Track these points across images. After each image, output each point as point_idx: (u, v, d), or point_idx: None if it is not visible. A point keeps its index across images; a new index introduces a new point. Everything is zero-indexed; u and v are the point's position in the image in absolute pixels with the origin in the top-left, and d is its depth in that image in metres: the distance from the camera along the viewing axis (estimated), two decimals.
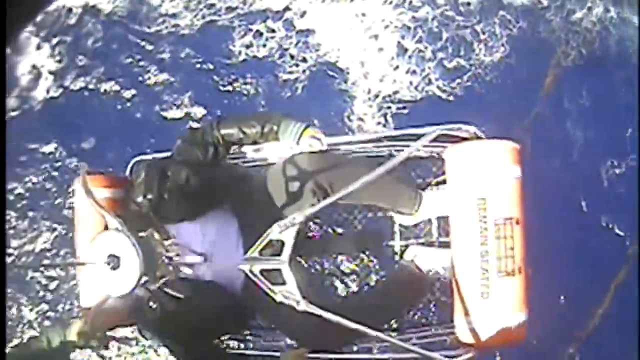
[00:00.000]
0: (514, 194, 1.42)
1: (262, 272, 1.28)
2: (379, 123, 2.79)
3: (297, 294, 1.23)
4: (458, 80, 2.84)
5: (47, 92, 2.84)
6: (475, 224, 1.38)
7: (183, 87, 2.75)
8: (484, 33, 2.94)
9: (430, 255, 1.77)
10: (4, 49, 2.96)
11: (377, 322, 1.60)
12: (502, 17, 2.96)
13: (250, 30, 2.74)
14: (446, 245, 1.73)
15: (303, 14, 2.75)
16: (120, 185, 1.79)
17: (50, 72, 2.82)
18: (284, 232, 1.27)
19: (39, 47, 2.87)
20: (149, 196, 1.43)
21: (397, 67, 2.81)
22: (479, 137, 1.57)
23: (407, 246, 1.88)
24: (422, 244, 1.86)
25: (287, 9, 2.75)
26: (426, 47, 2.86)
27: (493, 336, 1.38)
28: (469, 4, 2.84)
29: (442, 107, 2.77)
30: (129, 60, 2.81)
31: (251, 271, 1.28)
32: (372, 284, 2.06)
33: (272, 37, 2.73)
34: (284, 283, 1.26)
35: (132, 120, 2.82)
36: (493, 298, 1.37)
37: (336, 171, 1.54)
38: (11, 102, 2.84)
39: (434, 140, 1.49)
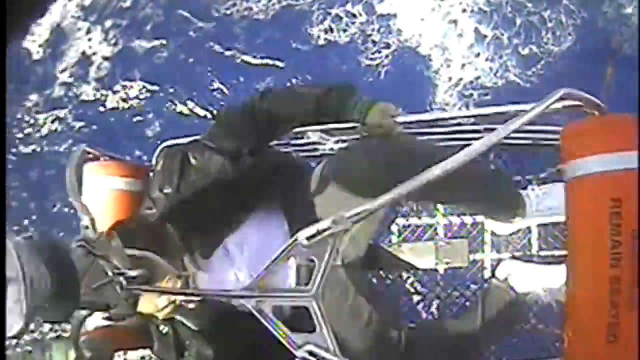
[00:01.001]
0: None
1: (277, 310, 0.90)
2: (460, 110, 2.69)
3: (331, 346, 0.82)
4: (533, 69, 2.80)
5: (100, 82, 2.51)
6: (604, 236, 0.97)
7: (258, 76, 2.53)
8: (550, 21, 2.92)
9: (529, 273, 1.41)
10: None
11: None
12: (565, 6, 2.96)
13: (329, 14, 2.56)
14: (548, 261, 1.46)
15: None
16: (140, 175, 1.48)
17: (105, 58, 2.50)
18: (315, 244, 0.83)
19: (88, 32, 2.54)
20: (166, 190, 1.11)
21: (478, 54, 2.73)
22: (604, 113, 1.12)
23: (499, 261, 1.52)
24: (518, 258, 1.50)
25: None
26: (502, 34, 2.79)
27: None
28: None
29: (522, 95, 2.71)
30: (194, 47, 2.55)
31: (259, 310, 0.87)
32: (454, 309, 1.61)
33: (353, 23, 2.57)
34: (312, 330, 0.84)
35: (195, 115, 2.55)
36: (623, 342, 0.96)
37: (418, 160, 1.11)
38: (56, 91, 2.50)
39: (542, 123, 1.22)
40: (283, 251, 0.86)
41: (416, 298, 1.61)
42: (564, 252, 1.35)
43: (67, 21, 2.55)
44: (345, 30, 2.56)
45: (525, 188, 1.39)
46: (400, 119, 1.22)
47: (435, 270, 1.57)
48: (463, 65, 2.70)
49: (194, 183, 1.12)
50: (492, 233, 1.54)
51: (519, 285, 1.38)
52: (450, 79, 2.68)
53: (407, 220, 1.62)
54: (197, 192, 1.11)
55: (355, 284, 1.20)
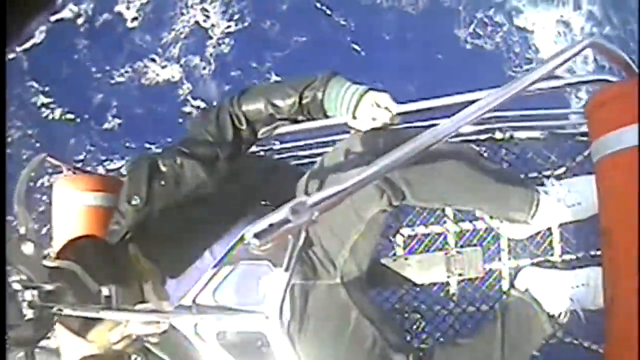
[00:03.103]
0: None
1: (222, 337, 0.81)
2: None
3: None
4: None
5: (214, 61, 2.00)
6: None
7: (407, 74, 2.18)
8: None
9: (553, 281, 1.21)
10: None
11: None
12: None
13: (475, 17, 2.35)
14: (573, 265, 1.27)
15: (518, 12, 2.49)
16: (114, 189, 1.35)
17: (225, 34, 2.01)
18: (271, 245, 0.65)
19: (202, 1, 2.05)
20: (134, 201, 1.02)
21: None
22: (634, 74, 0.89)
23: (518, 269, 1.31)
24: (540, 265, 1.30)
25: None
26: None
27: None
28: None
29: None
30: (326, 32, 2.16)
31: (197, 334, 0.77)
32: (469, 326, 1.40)
33: (498, 32, 2.38)
34: None
35: None
36: None
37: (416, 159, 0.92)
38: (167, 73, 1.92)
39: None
40: (223, 257, 0.71)
41: (426, 316, 1.40)
42: (591, 253, 1.25)
43: None
44: (490, 37, 2.34)
45: (542, 184, 1.19)
46: (396, 110, 1.03)
47: (448, 283, 1.37)
48: (589, 91, 2.64)
49: (165, 193, 1.02)
50: (509, 238, 1.33)
51: (541, 296, 1.19)
52: (579, 100, 2.59)
53: (413, 229, 1.40)
54: (167, 203, 1.01)
55: (357, 305, 1.08)
